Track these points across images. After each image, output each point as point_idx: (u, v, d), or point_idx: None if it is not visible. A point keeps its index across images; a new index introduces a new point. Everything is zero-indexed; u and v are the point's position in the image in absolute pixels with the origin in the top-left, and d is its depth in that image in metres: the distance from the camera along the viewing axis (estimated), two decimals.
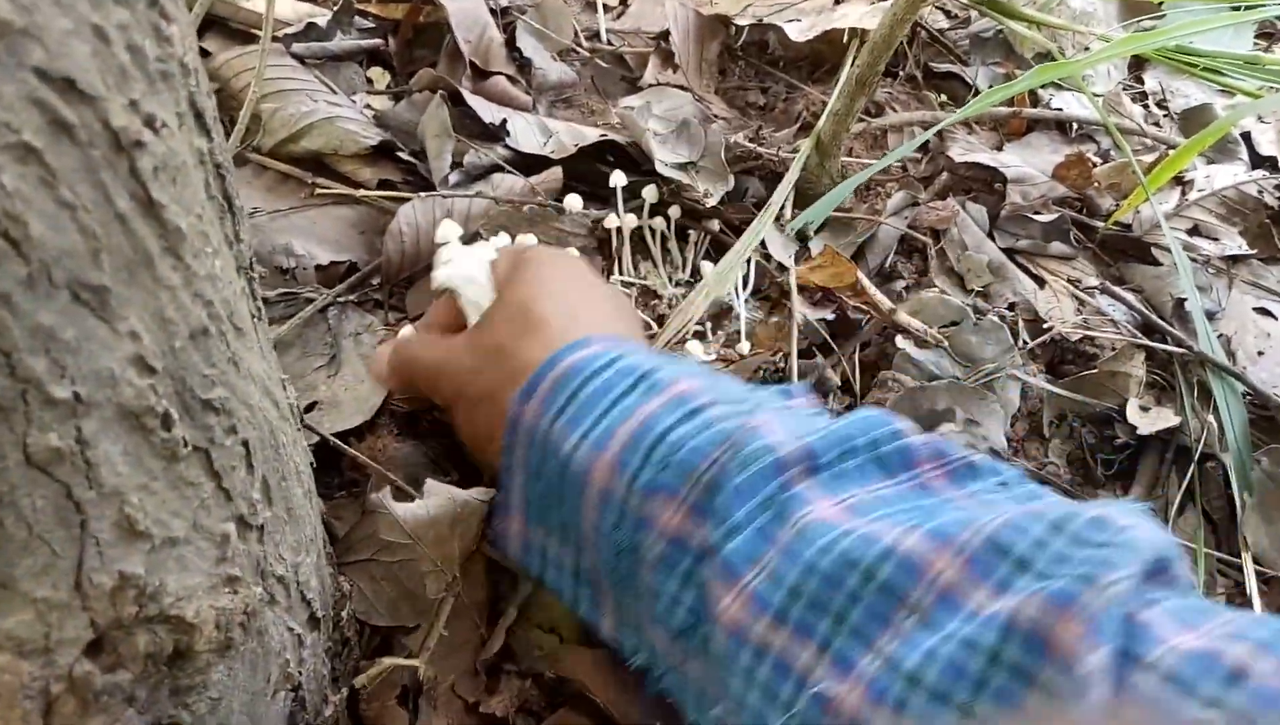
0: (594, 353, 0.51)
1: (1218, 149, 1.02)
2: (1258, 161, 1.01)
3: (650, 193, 0.83)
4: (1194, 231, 0.92)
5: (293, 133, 0.89)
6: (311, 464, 0.50)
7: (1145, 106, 1.08)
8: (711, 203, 0.79)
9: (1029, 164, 0.93)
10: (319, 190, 0.88)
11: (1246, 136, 1.03)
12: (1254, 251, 0.90)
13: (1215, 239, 0.90)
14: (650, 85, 0.99)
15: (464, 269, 0.65)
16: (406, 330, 0.67)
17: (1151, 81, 1.11)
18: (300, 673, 0.45)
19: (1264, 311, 0.86)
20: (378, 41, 1.03)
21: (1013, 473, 0.44)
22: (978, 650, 0.35)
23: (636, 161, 0.89)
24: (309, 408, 0.74)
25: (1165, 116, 1.07)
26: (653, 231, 0.85)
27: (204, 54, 0.95)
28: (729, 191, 0.90)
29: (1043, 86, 1.02)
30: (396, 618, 0.60)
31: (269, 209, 0.86)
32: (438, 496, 0.59)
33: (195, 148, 0.36)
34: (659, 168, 0.85)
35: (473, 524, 0.60)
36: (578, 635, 0.60)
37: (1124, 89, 1.10)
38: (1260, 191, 0.94)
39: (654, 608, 0.46)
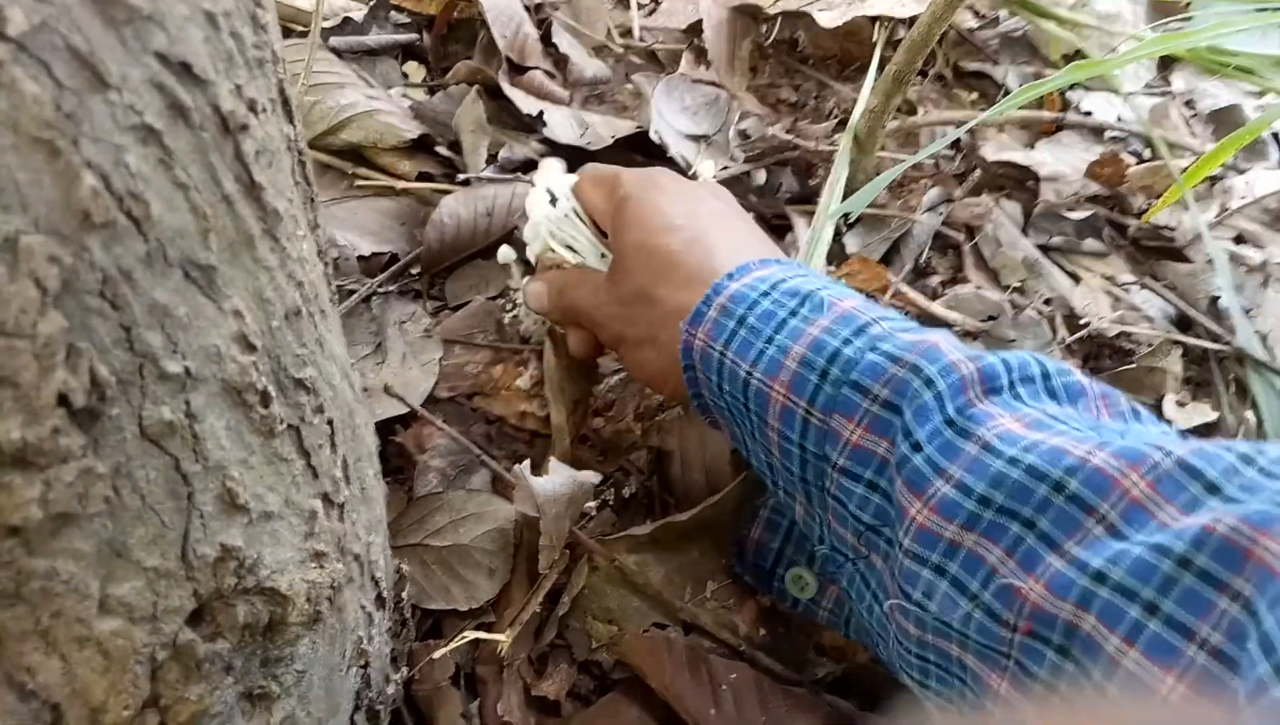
0: (757, 278, 0.52)
1: (1247, 149, 1.02)
2: None
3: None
4: (1239, 241, 0.92)
5: (332, 125, 0.90)
6: (380, 450, 0.51)
7: (1173, 107, 1.09)
8: (704, 178, 0.80)
9: (1062, 162, 0.93)
10: (359, 182, 0.89)
11: (1277, 137, 1.03)
12: None
13: (1261, 246, 0.90)
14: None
15: (544, 212, 0.66)
16: (550, 274, 0.67)
17: (1179, 82, 1.11)
18: (369, 650, 0.46)
19: None
20: (413, 36, 1.04)
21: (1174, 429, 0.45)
22: (1169, 555, 0.35)
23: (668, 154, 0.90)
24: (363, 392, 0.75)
25: (1193, 117, 1.08)
26: None
27: None
28: (762, 185, 0.91)
29: (1072, 87, 1.03)
30: (449, 601, 0.61)
31: None
32: (561, 475, 0.59)
33: (284, 134, 0.37)
34: (666, 141, 0.86)
35: (580, 505, 0.62)
36: (633, 624, 0.60)
37: (1151, 89, 1.10)
38: None
39: (842, 507, 0.48)
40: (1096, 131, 0.99)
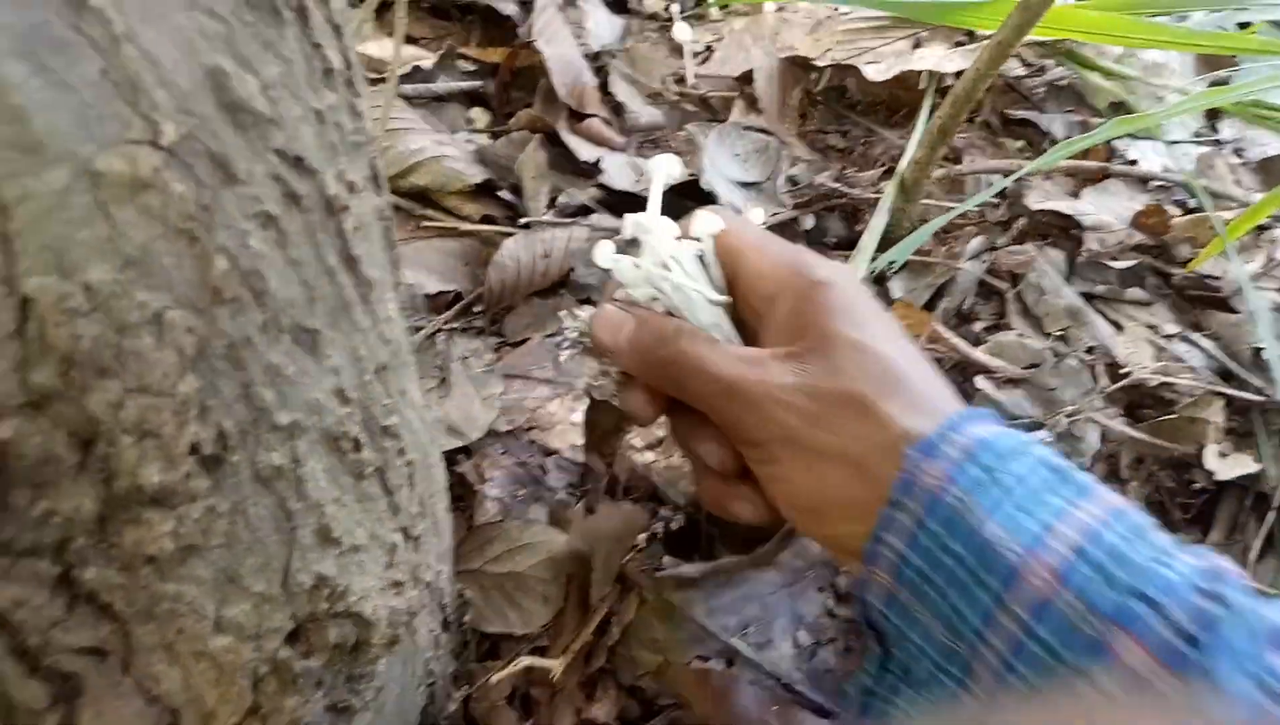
0: (1001, 431, 0.45)
1: None
2: None
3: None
4: None
5: (402, 170, 0.95)
6: (450, 487, 0.55)
7: (1220, 157, 1.10)
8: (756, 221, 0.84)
9: (1106, 211, 0.95)
10: (425, 223, 0.94)
11: None
12: None
13: None
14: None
15: (669, 244, 0.52)
16: (638, 310, 0.53)
17: (1227, 130, 1.12)
18: (435, 670, 0.50)
19: None
20: (478, 83, 1.10)
21: None
22: None
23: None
24: None
25: (1242, 165, 1.09)
26: None
27: None
28: (809, 230, 0.94)
29: (1119, 137, 1.05)
30: (506, 625, 0.65)
31: None
32: (612, 512, 0.63)
33: (375, 206, 0.41)
34: (716, 189, 0.90)
35: (629, 540, 0.65)
36: (680, 654, 0.64)
37: (1199, 138, 1.11)
38: None
39: None
40: (1142, 181, 1.01)
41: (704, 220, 0.52)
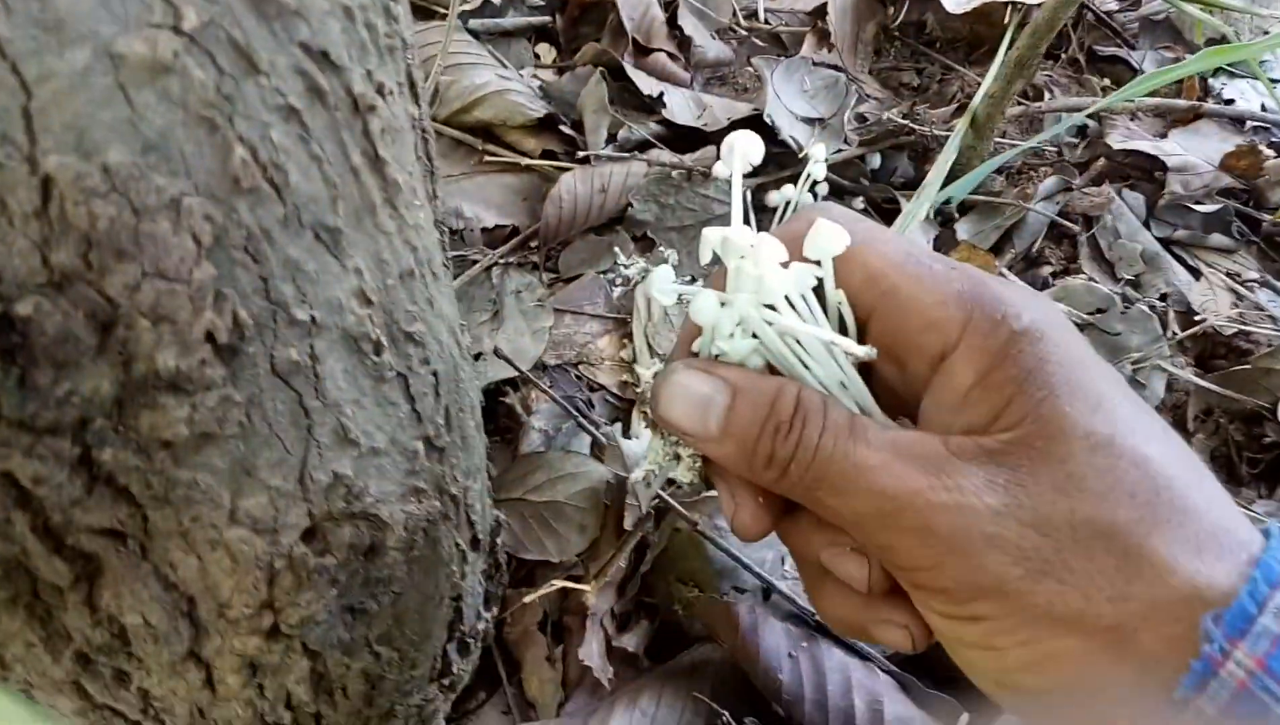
0: None
1: None
2: None
3: (819, 169, 0.84)
4: None
5: (467, 103, 0.95)
6: (481, 404, 0.55)
7: None
8: (815, 162, 0.80)
9: (1194, 153, 0.90)
10: (488, 157, 0.94)
11: None
12: None
13: None
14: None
15: (775, 276, 0.34)
16: (734, 374, 0.35)
17: None
18: (462, 585, 0.51)
19: None
20: (546, 19, 1.09)
21: None
22: None
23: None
24: (477, 356, 0.81)
25: None
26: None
27: None
28: (876, 169, 0.91)
29: (1214, 75, 0.99)
30: (543, 553, 0.66)
31: (443, 174, 0.93)
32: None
33: (409, 113, 0.41)
34: (778, 124, 0.87)
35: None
36: (711, 587, 0.64)
37: None
38: None
39: None
40: (1237, 121, 0.95)
41: (823, 233, 0.34)
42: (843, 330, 0.36)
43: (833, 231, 0.34)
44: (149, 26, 0.27)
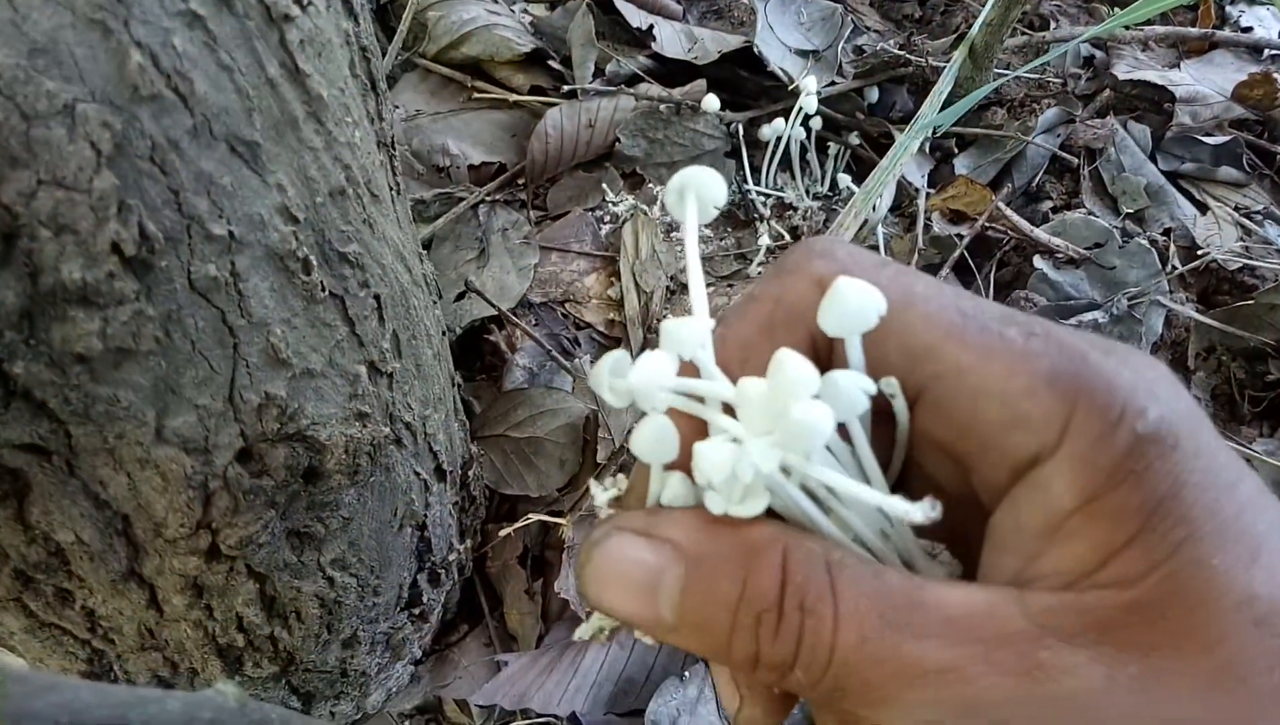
0: None
1: None
2: None
3: (810, 102, 0.81)
4: None
5: (454, 39, 0.93)
6: (445, 332, 0.54)
7: None
8: (806, 95, 0.78)
9: (1206, 83, 0.87)
10: (476, 95, 0.93)
11: None
12: None
13: None
14: None
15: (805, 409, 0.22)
16: (685, 530, 0.24)
17: None
18: (426, 515, 0.51)
19: None
20: None
21: None
22: None
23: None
24: (459, 296, 0.80)
25: None
26: (791, 143, 0.85)
27: None
28: (871, 103, 0.89)
29: (1232, 1, 0.94)
30: (523, 488, 0.66)
31: (430, 111, 0.92)
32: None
33: (341, 29, 0.40)
34: (767, 55, 0.85)
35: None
36: None
37: None
38: None
39: None
40: (1254, 50, 0.91)
41: (850, 297, 0.23)
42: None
43: (862, 294, 0.23)
44: None
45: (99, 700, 0.21)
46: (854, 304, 0.23)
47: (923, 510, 0.22)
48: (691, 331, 0.24)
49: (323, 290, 0.37)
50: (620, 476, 0.29)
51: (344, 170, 0.38)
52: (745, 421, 0.23)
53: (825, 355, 0.26)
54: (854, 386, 0.23)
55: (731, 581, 0.23)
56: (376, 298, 0.41)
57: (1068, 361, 0.23)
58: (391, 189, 0.45)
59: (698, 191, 0.27)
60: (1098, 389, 0.22)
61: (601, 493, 0.28)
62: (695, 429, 0.25)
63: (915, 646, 0.22)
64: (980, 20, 0.82)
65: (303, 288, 0.37)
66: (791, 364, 0.23)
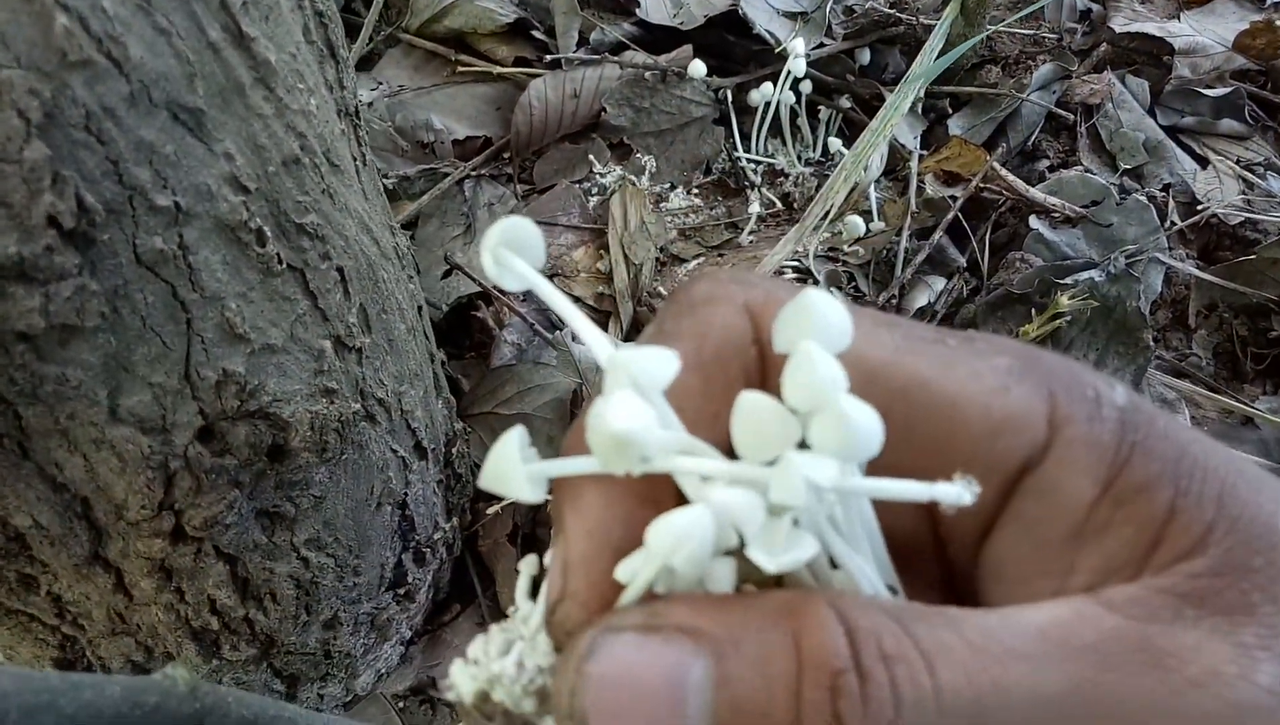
0: None
1: None
2: None
3: (799, 64, 0.79)
4: None
5: (436, 13, 0.92)
6: (419, 309, 0.53)
7: None
8: (795, 58, 0.76)
9: (1206, 34, 0.84)
10: (460, 68, 0.91)
11: None
12: None
13: None
14: None
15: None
16: (712, 615, 0.19)
17: None
18: (406, 493, 0.50)
19: None
20: None
21: None
22: None
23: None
24: (446, 274, 0.79)
25: None
26: (784, 107, 0.84)
27: None
28: (863, 65, 0.87)
29: None
30: None
31: (414, 86, 0.91)
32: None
33: None
34: (752, 17, 0.83)
35: None
36: None
37: None
38: None
39: None
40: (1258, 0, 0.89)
41: (824, 310, 0.19)
42: None
43: (837, 307, 0.19)
44: None
45: (20, 687, 0.20)
46: (834, 318, 0.19)
47: (967, 489, 0.18)
48: (660, 367, 0.19)
49: (280, 262, 0.36)
50: (530, 558, 0.24)
51: (298, 138, 0.37)
52: (755, 448, 0.19)
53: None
54: (868, 414, 0.18)
55: (783, 653, 0.18)
56: (340, 271, 0.40)
57: (1022, 357, 0.21)
58: (356, 159, 0.44)
59: (516, 249, 0.21)
60: (1065, 374, 0.21)
61: (523, 580, 0.23)
62: (646, 495, 0.20)
63: (1026, 670, 0.18)
64: None
65: (258, 260, 0.36)
66: (821, 362, 0.18)
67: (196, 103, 0.32)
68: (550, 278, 0.79)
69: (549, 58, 0.87)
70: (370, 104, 0.86)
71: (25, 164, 0.28)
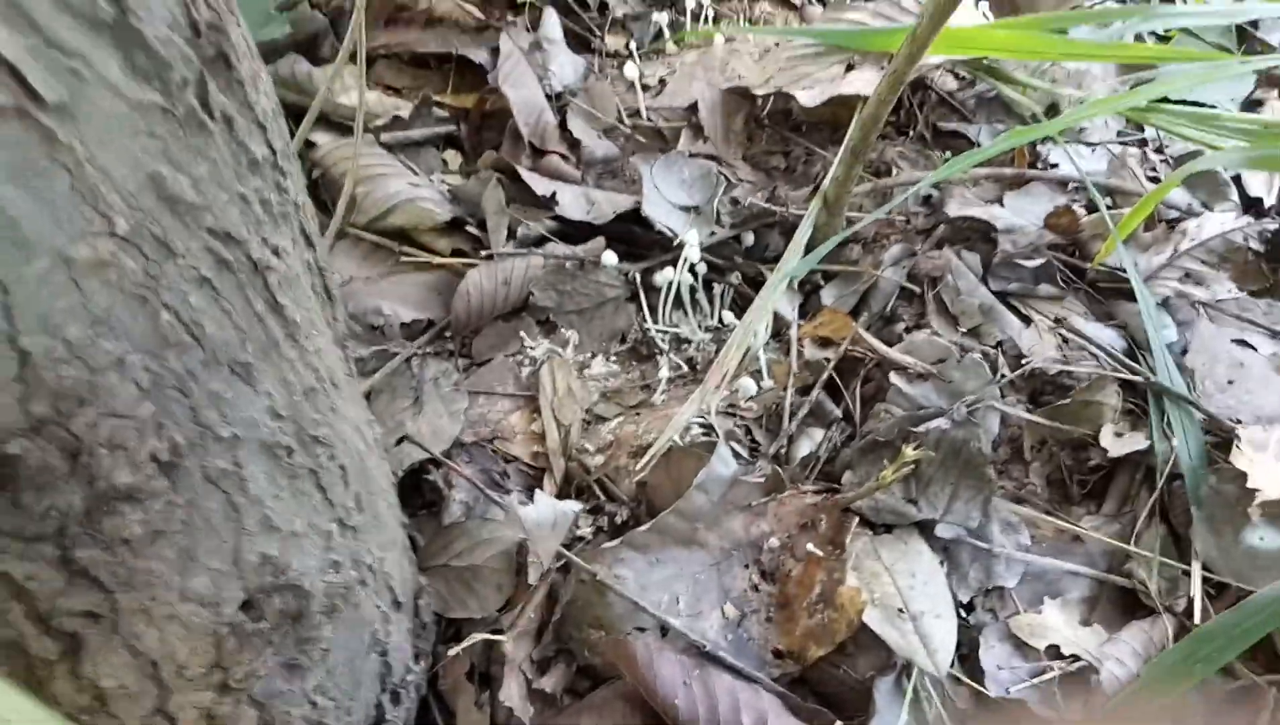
0: None
1: (1210, 191, 1.11)
2: (1248, 202, 1.09)
3: (694, 252, 0.95)
4: (1186, 278, 1.01)
5: (382, 211, 1.06)
6: (393, 481, 0.64)
7: (1144, 153, 1.17)
8: (690, 247, 0.92)
9: (1024, 214, 1.03)
10: (404, 258, 1.04)
11: (1238, 179, 1.11)
12: (1240, 293, 0.98)
13: (1203, 285, 0.99)
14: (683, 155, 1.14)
15: None
16: None
17: (1151, 129, 1.20)
18: (387, 642, 0.60)
19: (1244, 343, 0.95)
20: (452, 127, 1.20)
21: None
22: None
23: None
24: (399, 441, 0.90)
25: (1162, 161, 1.16)
26: (683, 286, 0.99)
27: (310, 145, 1.14)
28: (749, 247, 1.03)
29: (1043, 141, 1.13)
30: (466, 610, 0.75)
31: (363, 276, 1.03)
32: (545, 504, 0.73)
33: (304, 260, 0.52)
34: (653, 216, 0.99)
35: (563, 529, 0.75)
36: (615, 629, 0.73)
37: (1124, 137, 1.19)
38: (1245, 238, 1.03)
39: None
40: (1062, 183, 1.09)
41: None
42: None
43: None
44: (90, 235, 0.37)
45: None
46: None
47: None
48: None
49: (302, 467, 0.48)
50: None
51: (314, 372, 0.49)
52: None
53: None
54: None
55: None
56: (342, 467, 0.51)
57: None
58: (349, 374, 0.56)
59: None
60: None
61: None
62: None
63: None
64: (829, 176, 0.98)
65: (287, 468, 0.47)
66: None
67: (247, 358, 0.44)
68: (490, 440, 0.91)
69: (484, 253, 1.01)
70: None
71: (139, 419, 0.39)
